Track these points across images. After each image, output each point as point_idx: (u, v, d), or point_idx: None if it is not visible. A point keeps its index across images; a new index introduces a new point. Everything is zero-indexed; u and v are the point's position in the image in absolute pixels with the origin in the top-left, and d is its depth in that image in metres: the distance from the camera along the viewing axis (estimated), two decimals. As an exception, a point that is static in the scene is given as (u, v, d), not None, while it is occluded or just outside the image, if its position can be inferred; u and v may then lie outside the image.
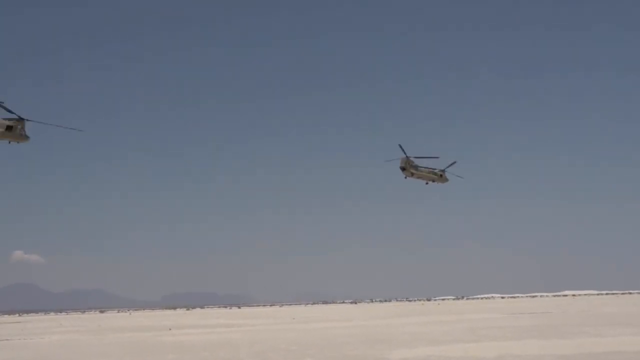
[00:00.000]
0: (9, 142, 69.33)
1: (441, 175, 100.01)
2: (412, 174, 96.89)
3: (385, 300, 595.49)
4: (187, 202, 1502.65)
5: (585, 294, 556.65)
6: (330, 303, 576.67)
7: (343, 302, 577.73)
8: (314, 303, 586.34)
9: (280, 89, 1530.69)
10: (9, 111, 67.29)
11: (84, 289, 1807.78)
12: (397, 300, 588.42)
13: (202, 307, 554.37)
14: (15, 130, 68.82)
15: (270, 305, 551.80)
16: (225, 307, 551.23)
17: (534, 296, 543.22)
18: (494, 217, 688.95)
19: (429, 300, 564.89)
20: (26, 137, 70.79)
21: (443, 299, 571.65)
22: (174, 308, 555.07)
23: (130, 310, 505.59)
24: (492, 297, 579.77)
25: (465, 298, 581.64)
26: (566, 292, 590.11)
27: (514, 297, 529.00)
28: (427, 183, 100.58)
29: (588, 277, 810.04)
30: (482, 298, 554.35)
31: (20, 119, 68.95)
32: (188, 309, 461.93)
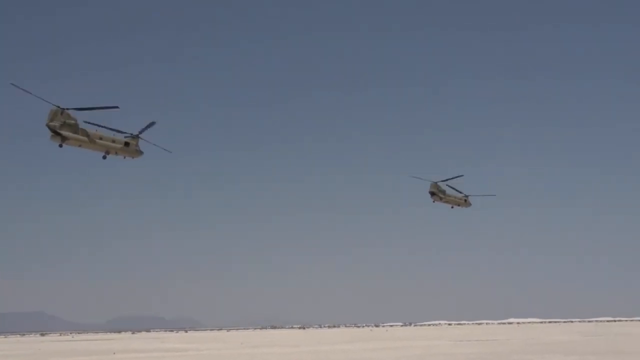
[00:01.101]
0: (124, 158, 74.68)
1: (465, 200, 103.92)
2: (441, 199, 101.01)
3: (334, 326, 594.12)
4: (135, 224, 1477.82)
5: (529, 322, 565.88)
6: (278, 328, 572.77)
7: (291, 327, 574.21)
8: (262, 328, 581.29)
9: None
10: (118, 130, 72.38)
11: (23, 312, 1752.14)
12: (345, 326, 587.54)
13: (148, 331, 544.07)
14: (131, 146, 74.53)
15: (218, 330, 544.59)
16: (172, 331, 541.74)
17: (480, 323, 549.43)
18: (442, 245, 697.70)
19: (377, 326, 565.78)
20: (140, 152, 76.23)
21: (391, 325, 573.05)
22: (119, 332, 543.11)
23: (73, 334, 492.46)
24: (440, 323, 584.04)
25: (413, 324, 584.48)
26: (511, 320, 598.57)
27: (460, 324, 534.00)
28: (452, 207, 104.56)
29: (532, 305, 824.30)
30: (429, 325, 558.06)
31: (135, 136, 74.30)
32: (134, 333, 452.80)
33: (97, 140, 72.10)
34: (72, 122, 68.79)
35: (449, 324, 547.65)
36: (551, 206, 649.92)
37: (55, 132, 68.14)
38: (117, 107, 67.83)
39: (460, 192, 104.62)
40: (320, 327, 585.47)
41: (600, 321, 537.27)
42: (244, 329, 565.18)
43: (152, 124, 74.44)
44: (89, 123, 71.11)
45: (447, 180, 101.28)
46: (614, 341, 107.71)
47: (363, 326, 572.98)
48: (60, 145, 69.44)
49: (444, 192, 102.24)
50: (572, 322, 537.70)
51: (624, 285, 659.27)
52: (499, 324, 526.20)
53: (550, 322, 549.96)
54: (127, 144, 74.67)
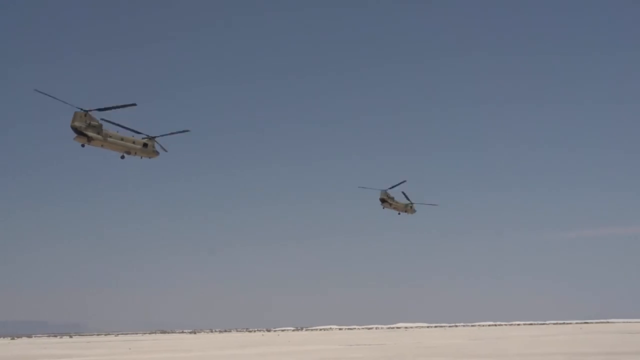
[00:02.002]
0: (141, 158, 78.50)
1: (411, 207, 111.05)
2: (390, 205, 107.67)
3: (225, 331, 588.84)
4: (19, 225, 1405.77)
5: (416, 326, 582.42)
6: (168, 333, 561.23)
7: (182, 332, 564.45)
8: (151, 332, 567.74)
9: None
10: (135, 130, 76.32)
11: None
12: (237, 331, 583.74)
13: (29, 337, 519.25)
14: (149, 147, 78.68)
15: (106, 335, 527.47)
16: (56, 336, 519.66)
17: (370, 328, 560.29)
18: (333, 249, 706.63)
19: (269, 330, 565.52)
20: (157, 153, 79.96)
21: (283, 330, 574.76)
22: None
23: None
24: (331, 328, 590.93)
25: (304, 329, 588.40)
26: (400, 325, 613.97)
27: (351, 329, 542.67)
28: (399, 213, 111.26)
29: (419, 310, 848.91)
30: (321, 329, 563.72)
31: (151, 138, 78.33)
32: (13, 339, 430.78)
33: (119, 141, 75.73)
34: (96, 123, 71.89)
35: (340, 329, 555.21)
36: (443, 217, 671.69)
37: (81, 133, 71.07)
38: (134, 104, 69.94)
39: (408, 200, 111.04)
40: (212, 331, 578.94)
41: (483, 325, 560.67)
42: (133, 333, 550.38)
43: (184, 131, 76.34)
44: (106, 121, 73.46)
45: (393, 187, 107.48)
46: (494, 344, 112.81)
47: (255, 331, 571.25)
48: (83, 145, 72.41)
49: (392, 198, 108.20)
50: (457, 326, 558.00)
51: (503, 291, 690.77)
52: (388, 328, 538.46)
53: (436, 326, 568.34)
54: (145, 144, 78.46)
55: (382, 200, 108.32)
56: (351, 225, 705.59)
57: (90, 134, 71.95)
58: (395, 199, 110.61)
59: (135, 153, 77.91)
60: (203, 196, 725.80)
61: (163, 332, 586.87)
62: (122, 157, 77.45)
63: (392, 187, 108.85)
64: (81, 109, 71.06)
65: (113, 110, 71.66)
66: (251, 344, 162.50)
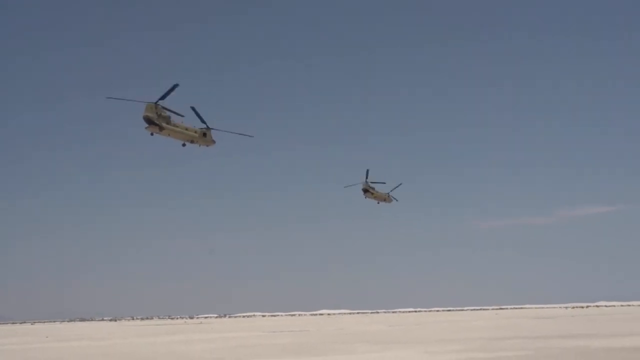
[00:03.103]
0: (199, 146, 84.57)
1: (389, 196, 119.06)
2: (372, 194, 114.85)
3: (147, 318, 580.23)
4: None
5: (339, 313, 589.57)
6: (88, 320, 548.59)
7: (102, 320, 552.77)
8: (70, 320, 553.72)
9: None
10: (200, 117, 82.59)
11: None
12: (159, 318, 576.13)
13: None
14: (207, 136, 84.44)
15: (21, 323, 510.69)
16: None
17: (293, 315, 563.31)
18: (259, 236, 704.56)
19: (191, 318, 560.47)
20: (214, 142, 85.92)
21: (206, 317, 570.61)
22: None
23: None
24: (254, 315, 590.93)
25: (227, 316, 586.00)
26: (322, 311, 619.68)
27: (274, 316, 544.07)
28: (378, 203, 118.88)
29: (342, 297, 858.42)
30: (244, 316, 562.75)
31: (209, 128, 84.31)
32: None
33: (184, 131, 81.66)
34: (165, 114, 78.41)
35: (263, 316, 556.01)
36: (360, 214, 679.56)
37: (153, 123, 77.02)
38: (177, 85, 76.29)
39: (384, 192, 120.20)
40: (133, 319, 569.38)
41: (403, 312, 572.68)
42: (51, 321, 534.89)
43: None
44: (167, 110, 79.13)
45: (375, 183, 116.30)
46: (415, 330, 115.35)
47: (177, 318, 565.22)
48: (152, 134, 78.53)
49: (374, 188, 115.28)
50: (378, 313, 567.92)
51: (423, 279, 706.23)
52: (311, 315, 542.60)
53: (359, 313, 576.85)
54: (204, 134, 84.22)
55: (365, 190, 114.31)
56: (275, 214, 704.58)
57: (161, 123, 78.10)
58: (376, 189, 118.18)
59: (196, 142, 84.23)
60: (121, 192, 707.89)
61: (82, 320, 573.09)
62: (184, 144, 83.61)
63: (374, 183, 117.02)
64: (152, 102, 77.57)
65: (169, 96, 78.12)
66: (173, 331, 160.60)
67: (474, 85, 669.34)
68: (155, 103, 77.40)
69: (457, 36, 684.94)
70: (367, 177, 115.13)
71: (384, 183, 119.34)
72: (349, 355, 59.04)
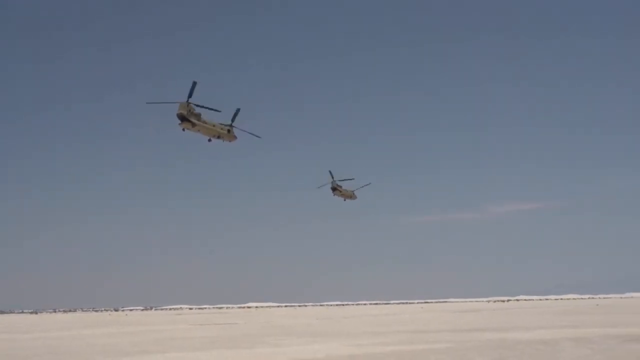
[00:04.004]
0: (223, 141, 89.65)
1: (354, 193, 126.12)
2: (340, 192, 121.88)
3: (70, 311, 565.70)
4: None
5: (267, 306, 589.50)
6: (7, 313, 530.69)
7: (22, 312, 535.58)
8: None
9: None
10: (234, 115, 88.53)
11: None
12: (82, 311, 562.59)
13: None
14: (231, 132, 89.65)
15: None
16: None
17: (220, 307, 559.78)
18: (186, 229, 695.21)
19: (116, 310, 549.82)
20: (236, 137, 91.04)
21: (131, 310, 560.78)
22: None
23: None
24: (181, 308, 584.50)
25: (154, 309, 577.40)
26: (250, 304, 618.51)
27: (201, 309, 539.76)
28: (344, 200, 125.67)
29: (270, 290, 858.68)
30: (170, 309, 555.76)
31: (232, 125, 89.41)
32: None
33: (212, 127, 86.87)
34: (197, 112, 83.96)
35: (190, 308, 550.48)
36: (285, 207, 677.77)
37: (186, 119, 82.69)
38: (195, 82, 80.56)
39: (351, 189, 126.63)
40: (55, 311, 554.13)
41: (330, 305, 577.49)
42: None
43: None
44: (202, 106, 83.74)
45: (342, 180, 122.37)
46: (342, 323, 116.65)
47: (102, 310, 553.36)
48: (183, 130, 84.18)
49: (341, 186, 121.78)
50: (306, 306, 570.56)
51: (351, 273, 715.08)
52: (239, 308, 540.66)
53: (286, 306, 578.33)
54: (228, 130, 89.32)
55: (334, 189, 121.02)
56: (202, 207, 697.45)
57: (193, 120, 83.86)
58: (343, 187, 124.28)
59: (222, 137, 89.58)
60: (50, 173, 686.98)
61: (1, 312, 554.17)
62: (209, 140, 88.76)
63: (342, 180, 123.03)
64: (184, 101, 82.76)
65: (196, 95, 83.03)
66: (97, 323, 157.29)
67: (394, 84, 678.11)
68: (187, 102, 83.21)
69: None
70: (332, 177, 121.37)
71: (353, 179, 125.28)
72: (275, 348, 59.32)
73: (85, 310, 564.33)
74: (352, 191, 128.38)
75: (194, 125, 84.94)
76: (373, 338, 69.48)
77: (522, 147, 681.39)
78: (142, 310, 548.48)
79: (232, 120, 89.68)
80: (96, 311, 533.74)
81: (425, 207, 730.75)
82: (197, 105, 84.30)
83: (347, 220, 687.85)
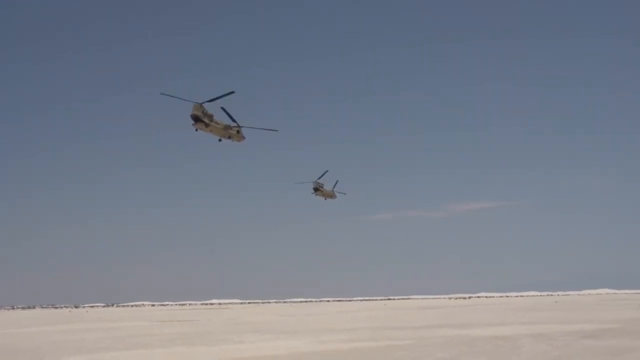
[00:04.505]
0: (232, 141, 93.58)
1: (334, 193, 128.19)
2: (322, 192, 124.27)
3: (29, 307, 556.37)
4: None
5: (230, 303, 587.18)
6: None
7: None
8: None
9: None
10: (230, 116, 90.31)
11: None
12: (42, 307, 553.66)
13: None
14: (240, 132, 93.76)
15: None
16: None
17: (183, 304, 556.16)
18: (147, 222, 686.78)
19: (77, 307, 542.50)
20: (244, 138, 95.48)
21: (92, 306, 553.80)
22: None
23: None
24: (143, 304, 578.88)
25: (115, 305, 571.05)
26: (213, 301, 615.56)
27: (164, 305, 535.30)
28: (325, 199, 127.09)
29: (234, 287, 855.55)
30: (132, 305, 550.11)
31: (239, 125, 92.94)
32: None
33: (223, 129, 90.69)
34: (210, 113, 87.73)
35: (153, 305, 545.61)
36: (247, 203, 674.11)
37: (200, 120, 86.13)
38: (233, 92, 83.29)
39: (332, 189, 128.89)
40: (13, 308, 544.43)
41: (294, 302, 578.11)
42: None
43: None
44: (226, 111, 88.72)
45: (320, 177, 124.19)
46: (306, 320, 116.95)
47: (62, 307, 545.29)
48: (196, 130, 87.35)
49: (322, 186, 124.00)
50: (269, 302, 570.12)
51: (313, 270, 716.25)
52: (201, 304, 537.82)
53: (250, 303, 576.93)
54: (238, 130, 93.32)
55: (316, 189, 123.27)
56: (161, 200, 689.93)
57: (207, 121, 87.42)
58: (325, 187, 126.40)
59: (232, 138, 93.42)
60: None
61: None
62: (220, 140, 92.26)
63: (320, 177, 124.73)
64: (198, 103, 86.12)
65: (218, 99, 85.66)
66: (58, 320, 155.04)
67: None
68: (201, 104, 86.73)
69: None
70: (320, 177, 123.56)
71: (327, 171, 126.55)
72: (238, 345, 59.28)
73: (45, 307, 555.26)
74: (332, 190, 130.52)
75: (207, 126, 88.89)
76: (336, 335, 69.84)
77: (500, 147, 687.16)
78: (104, 307, 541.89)
79: (212, 100, 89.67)
80: (56, 308, 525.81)
81: (381, 206, 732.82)
82: (211, 100, 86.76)
83: (305, 219, 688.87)
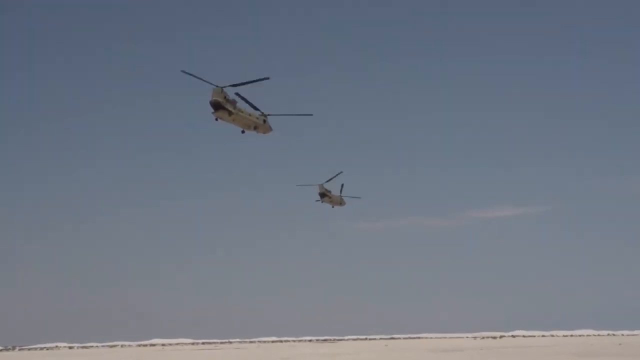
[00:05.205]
0: (257, 133, 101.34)
1: (342, 198, 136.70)
2: (329, 198, 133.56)
3: None
4: None
5: (177, 343, 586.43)
6: None
7: None
8: None
9: None
10: (249, 103, 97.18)
11: None
12: None
13: None
14: (266, 123, 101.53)
15: None
16: None
17: (113, 345, 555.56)
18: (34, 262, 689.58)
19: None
20: (271, 129, 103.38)
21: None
22: None
23: None
24: (57, 346, 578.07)
25: (17, 348, 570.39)
26: (154, 341, 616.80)
27: (85, 347, 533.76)
28: (333, 207, 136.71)
29: (184, 323, 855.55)
30: (42, 349, 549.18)
31: (265, 115, 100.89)
32: None
33: (248, 117, 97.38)
34: (231, 99, 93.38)
35: (70, 348, 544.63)
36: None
37: (221, 107, 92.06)
38: (267, 78, 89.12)
39: (339, 194, 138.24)
40: None
41: (264, 342, 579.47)
42: None
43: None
44: (244, 98, 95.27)
45: (330, 179, 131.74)
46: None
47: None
48: (216, 119, 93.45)
49: (330, 191, 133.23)
50: (230, 342, 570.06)
51: (290, 301, 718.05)
52: (138, 346, 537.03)
53: (203, 342, 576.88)
54: (264, 121, 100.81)
55: (322, 195, 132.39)
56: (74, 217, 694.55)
57: (229, 108, 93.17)
58: (332, 192, 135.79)
59: (258, 128, 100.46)
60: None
61: None
62: (243, 132, 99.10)
63: (329, 179, 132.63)
64: (218, 86, 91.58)
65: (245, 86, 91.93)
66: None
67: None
68: (222, 87, 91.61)
69: None
70: (328, 180, 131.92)
71: (342, 172, 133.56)
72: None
73: None
74: (341, 197, 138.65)
75: (230, 114, 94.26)
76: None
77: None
78: (0, 350, 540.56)
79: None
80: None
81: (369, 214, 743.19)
82: (241, 97, 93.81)
83: (289, 226, 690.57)
